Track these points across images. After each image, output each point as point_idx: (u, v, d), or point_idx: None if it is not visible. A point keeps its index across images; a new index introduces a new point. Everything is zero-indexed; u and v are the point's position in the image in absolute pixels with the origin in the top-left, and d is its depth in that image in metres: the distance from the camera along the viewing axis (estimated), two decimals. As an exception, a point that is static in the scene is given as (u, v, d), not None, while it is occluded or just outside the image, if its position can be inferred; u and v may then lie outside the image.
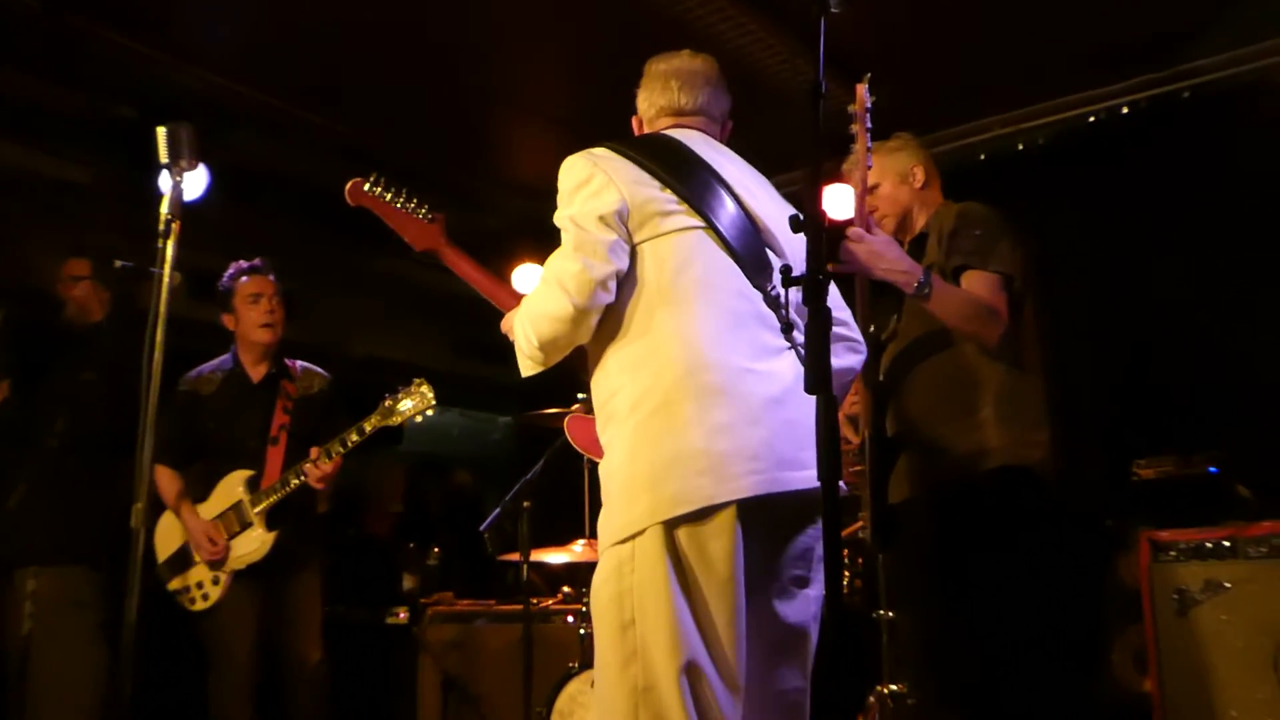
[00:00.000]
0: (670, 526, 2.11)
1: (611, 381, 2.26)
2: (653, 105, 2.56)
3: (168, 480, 4.03)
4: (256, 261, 4.19)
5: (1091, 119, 4.94)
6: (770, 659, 2.23)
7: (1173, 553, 3.70)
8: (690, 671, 2.07)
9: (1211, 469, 4.02)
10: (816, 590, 2.28)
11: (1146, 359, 4.62)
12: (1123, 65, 4.76)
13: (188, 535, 4.00)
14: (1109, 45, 4.60)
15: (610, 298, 2.23)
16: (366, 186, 2.68)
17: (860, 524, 3.86)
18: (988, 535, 2.88)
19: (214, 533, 3.96)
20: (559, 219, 2.29)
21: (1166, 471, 4.11)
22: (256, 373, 4.16)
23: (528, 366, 2.34)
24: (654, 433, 2.15)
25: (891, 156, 3.29)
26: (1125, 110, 4.86)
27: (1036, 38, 4.52)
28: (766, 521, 2.17)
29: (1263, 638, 3.45)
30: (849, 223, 2.92)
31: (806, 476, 2.08)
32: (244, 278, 4.14)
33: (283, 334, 4.17)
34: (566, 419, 2.63)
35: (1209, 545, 3.64)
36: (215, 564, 3.95)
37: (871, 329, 3.11)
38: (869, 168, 2.95)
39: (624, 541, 2.15)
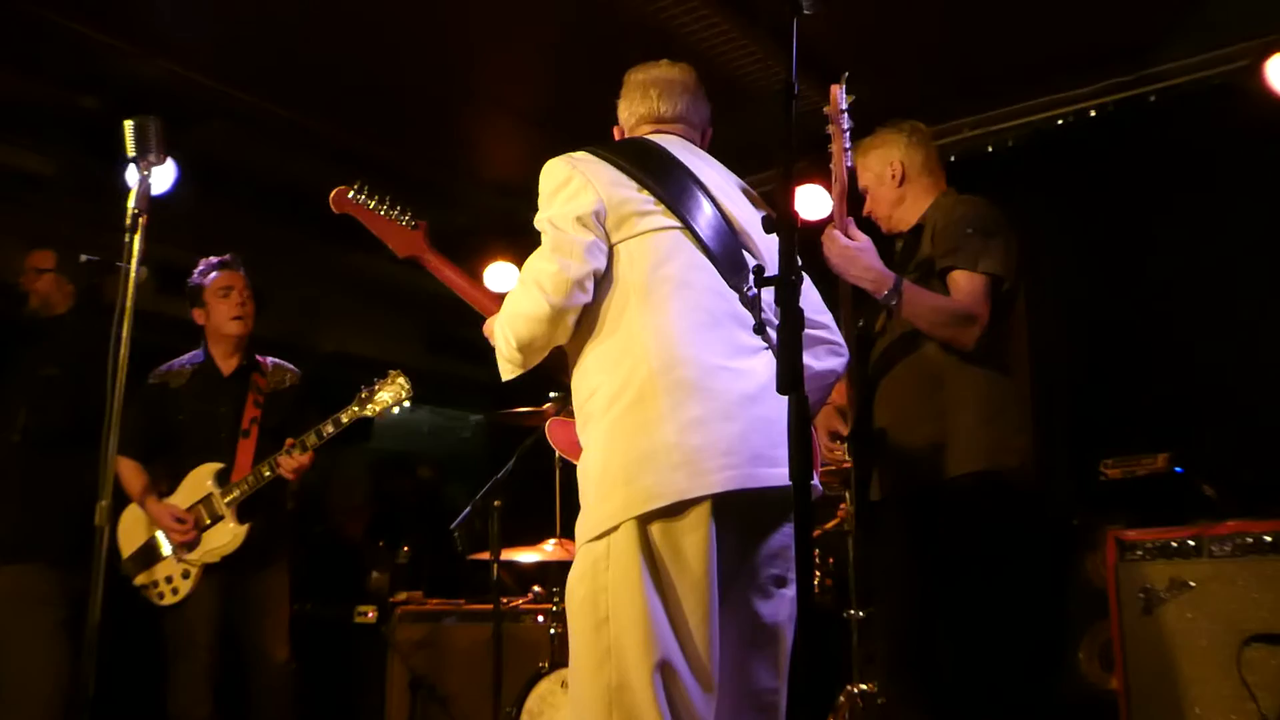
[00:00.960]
0: (644, 522, 2.11)
1: (590, 380, 2.27)
2: (633, 114, 2.60)
3: (132, 473, 4.00)
4: (227, 256, 4.18)
5: (1060, 122, 4.97)
6: (745, 658, 2.23)
7: (1139, 552, 3.74)
8: (664, 670, 2.07)
9: (1177, 469, 4.06)
10: (794, 590, 2.28)
11: (1112, 359, 4.67)
12: (1091, 69, 4.79)
13: (155, 522, 3.96)
14: (1078, 49, 4.63)
15: (587, 297, 2.24)
16: (350, 194, 2.68)
17: (837, 520, 3.86)
18: (962, 539, 2.88)
19: (181, 513, 3.92)
20: (538, 221, 2.30)
21: (1132, 471, 4.16)
22: (228, 366, 4.15)
23: (507, 369, 2.35)
24: (628, 429, 2.16)
25: (869, 155, 3.25)
26: (1093, 113, 4.89)
27: (1007, 41, 4.55)
28: (741, 518, 2.18)
29: (1226, 635, 3.50)
30: (825, 223, 2.92)
31: (782, 473, 2.07)
32: (215, 272, 4.13)
33: (252, 327, 4.16)
34: (547, 423, 2.65)
35: (1174, 544, 3.68)
36: (186, 556, 3.92)
37: (860, 324, 3.09)
38: (849, 167, 2.93)
39: (599, 538, 2.15)
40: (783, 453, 1.74)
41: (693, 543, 2.10)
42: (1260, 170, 4.40)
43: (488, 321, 2.48)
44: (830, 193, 2.97)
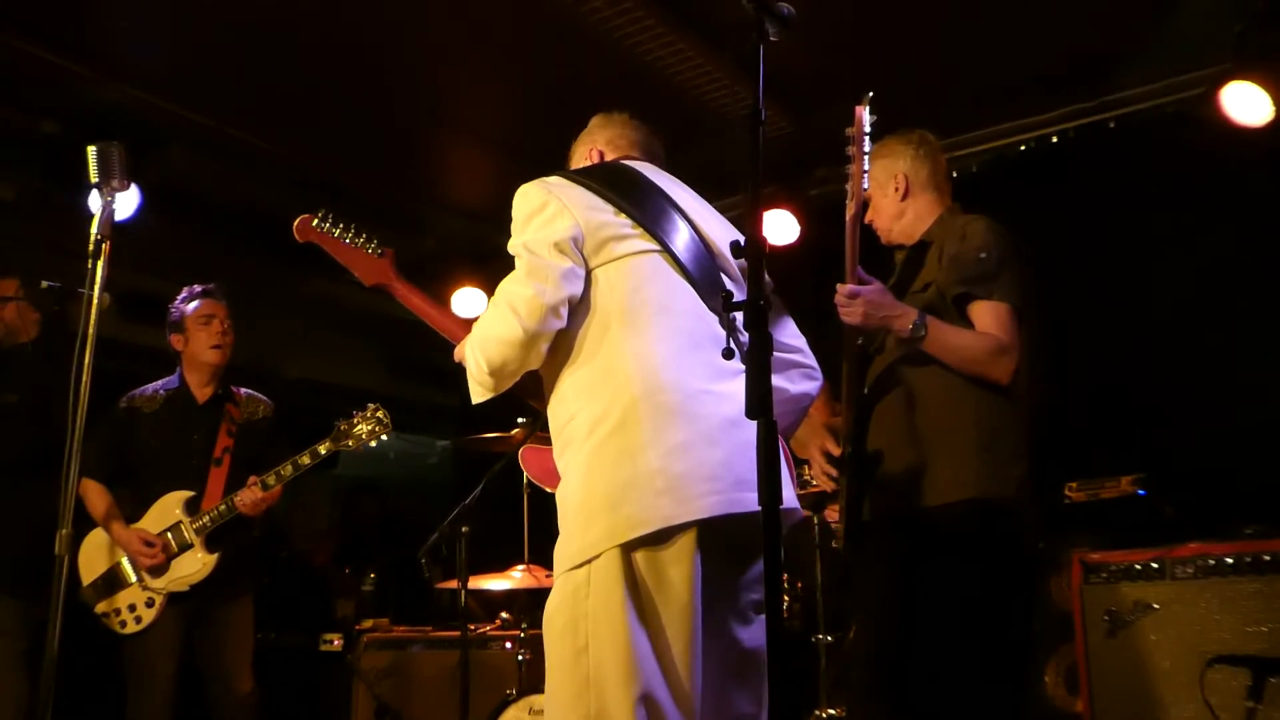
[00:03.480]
0: (627, 550, 2.08)
1: (568, 406, 2.24)
2: (599, 139, 2.62)
3: (96, 495, 3.95)
4: (210, 285, 4.19)
5: (1023, 147, 5.05)
6: (725, 684, 2.21)
7: (1104, 574, 3.76)
8: (645, 701, 2.04)
9: (1140, 491, 4.10)
10: None
11: (1075, 382, 4.71)
12: (1053, 96, 4.87)
13: (122, 547, 3.91)
14: (1040, 76, 4.71)
15: (561, 323, 2.21)
16: (315, 223, 2.66)
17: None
18: (948, 569, 2.81)
19: (150, 537, 3.88)
20: (513, 246, 2.27)
21: (1096, 494, 4.19)
22: (202, 394, 4.14)
23: (478, 393, 2.31)
24: (610, 455, 2.13)
25: (874, 164, 3.08)
26: (1055, 139, 4.97)
27: (970, 67, 4.62)
28: (724, 544, 2.16)
29: (1189, 657, 3.53)
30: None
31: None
32: (197, 300, 4.13)
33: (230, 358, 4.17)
34: (521, 450, 2.60)
35: (1138, 566, 3.71)
36: (151, 583, 3.87)
37: (859, 341, 3.01)
38: (865, 189, 2.86)
39: (579, 566, 2.12)
40: None
41: (677, 569, 2.08)
42: (1219, 195, 4.48)
43: (458, 348, 2.45)
44: (847, 211, 2.89)
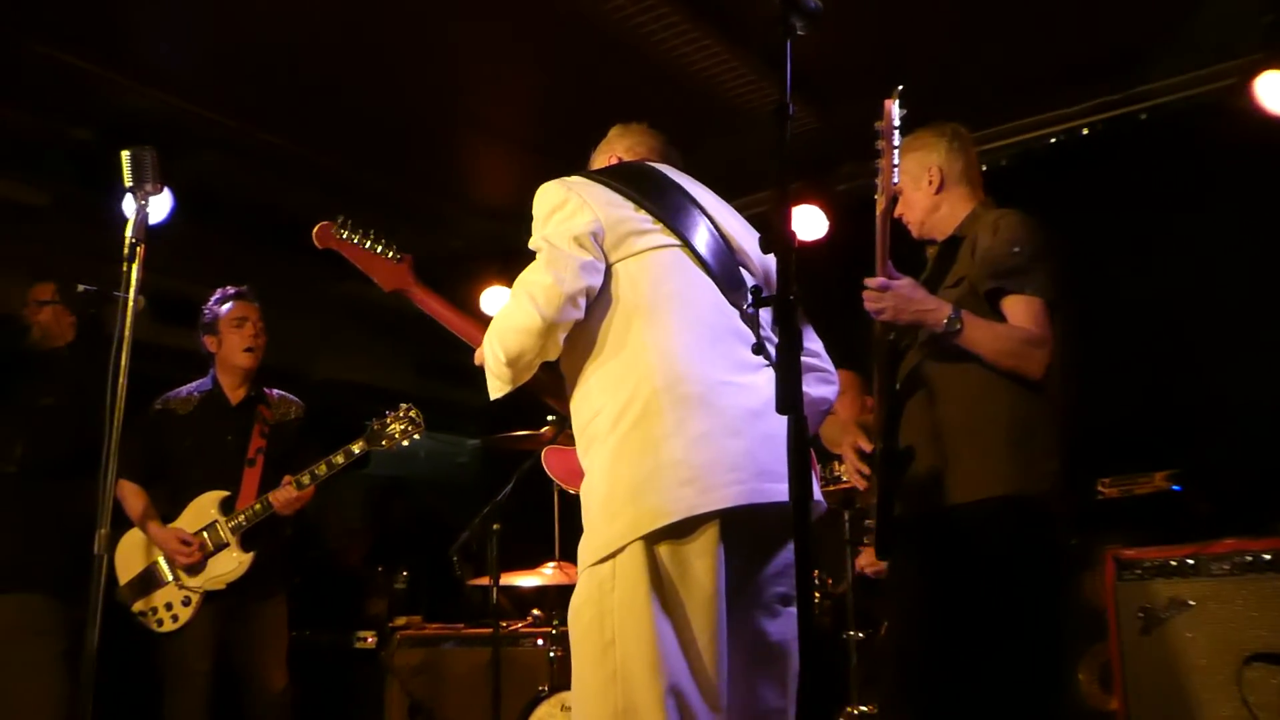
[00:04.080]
0: (651, 543, 2.08)
1: (593, 402, 2.24)
2: (617, 146, 2.65)
3: (133, 496, 4.01)
4: (244, 288, 4.24)
5: (1052, 140, 5.01)
6: (751, 676, 2.21)
7: (1137, 571, 3.72)
8: (672, 693, 2.04)
9: (1174, 487, 4.06)
10: None
11: (1107, 378, 4.67)
12: (1082, 88, 4.83)
13: (159, 546, 3.96)
14: (1068, 68, 4.67)
15: (579, 314, 2.22)
16: (334, 230, 2.68)
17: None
18: (981, 567, 2.78)
19: (187, 536, 3.93)
20: (533, 241, 2.29)
21: (1129, 490, 4.15)
22: (235, 396, 4.19)
23: (496, 386, 2.31)
24: (633, 447, 2.13)
25: (907, 157, 3.03)
26: (1085, 131, 4.93)
27: (998, 60, 4.59)
28: (748, 535, 2.16)
29: (1226, 655, 3.48)
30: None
31: (788, 489, 2.07)
32: (230, 303, 4.19)
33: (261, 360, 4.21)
34: (544, 451, 2.58)
35: (1173, 563, 3.66)
36: (188, 582, 3.91)
37: (891, 336, 2.97)
38: (895, 184, 2.83)
39: (603, 561, 2.12)
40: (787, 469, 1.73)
41: (702, 561, 2.08)
42: (1254, 186, 4.42)
43: (478, 351, 2.45)
44: (877, 206, 2.85)
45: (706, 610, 2.08)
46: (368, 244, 2.67)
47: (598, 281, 2.23)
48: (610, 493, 2.15)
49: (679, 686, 2.05)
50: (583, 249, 2.21)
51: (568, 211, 2.26)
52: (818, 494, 2.26)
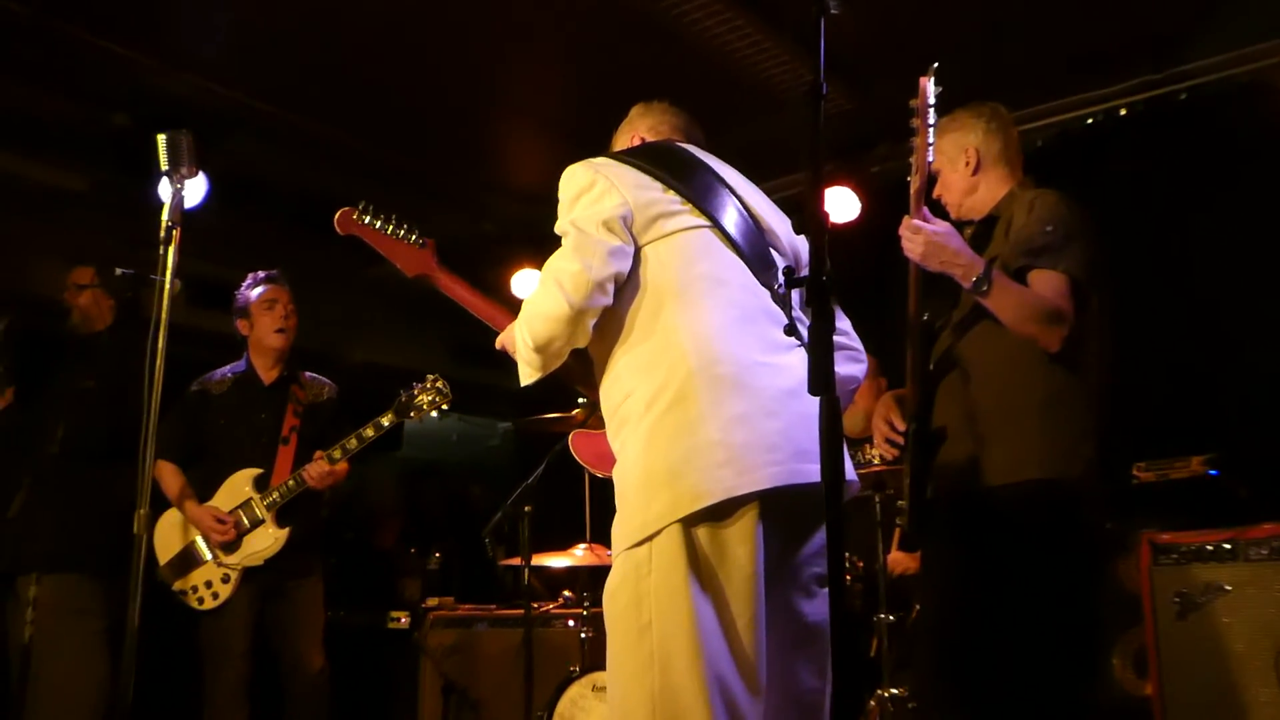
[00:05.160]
0: (688, 525, 2.07)
1: (624, 384, 2.23)
2: (640, 126, 2.63)
3: (171, 475, 4.07)
4: (274, 271, 4.30)
5: (1090, 121, 4.94)
6: (789, 657, 2.19)
7: (1174, 555, 3.69)
8: (713, 675, 2.03)
9: (1211, 471, 4.01)
10: None
11: (1144, 361, 4.63)
12: (1120, 68, 4.77)
13: (195, 524, 4.02)
14: (1106, 48, 4.61)
15: (608, 300, 2.21)
16: (356, 215, 2.67)
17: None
18: (1014, 549, 2.76)
19: (222, 514, 3.99)
20: (560, 225, 2.27)
21: (1165, 474, 4.11)
22: (269, 376, 4.26)
23: (526, 374, 2.31)
24: (669, 429, 2.11)
25: (944, 138, 3.01)
26: (1123, 112, 4.86)
27: (1034, 41, 4.53)
28: (785, 516, 2.14)
29: (1264, 640, 3.45)
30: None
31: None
32: (261, 286, 4.25)
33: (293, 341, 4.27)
34: (571, 435, 2.58)
35: (1210, 548, 3.63)
36: (226, 559, 3.97)
37: (925, 316, 2.93)
38: (930, 162, 2.80)
39: (640, 544, 2.10)
40: None
41: (740, 543, 2.07)
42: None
43: (501, 335, 2.46)
44: (911, 185, 2.83)
45: (746, 592, 2.07)
46: (390, 229, 2.65)
47: (626, 266, 2.21)
48: (647, 475, 2.12)
49: (719, 669, 2.03)
50: (611, 234, 2.20)
51: (595, 194, 2.24)
52: (851, 473, 2.24)
